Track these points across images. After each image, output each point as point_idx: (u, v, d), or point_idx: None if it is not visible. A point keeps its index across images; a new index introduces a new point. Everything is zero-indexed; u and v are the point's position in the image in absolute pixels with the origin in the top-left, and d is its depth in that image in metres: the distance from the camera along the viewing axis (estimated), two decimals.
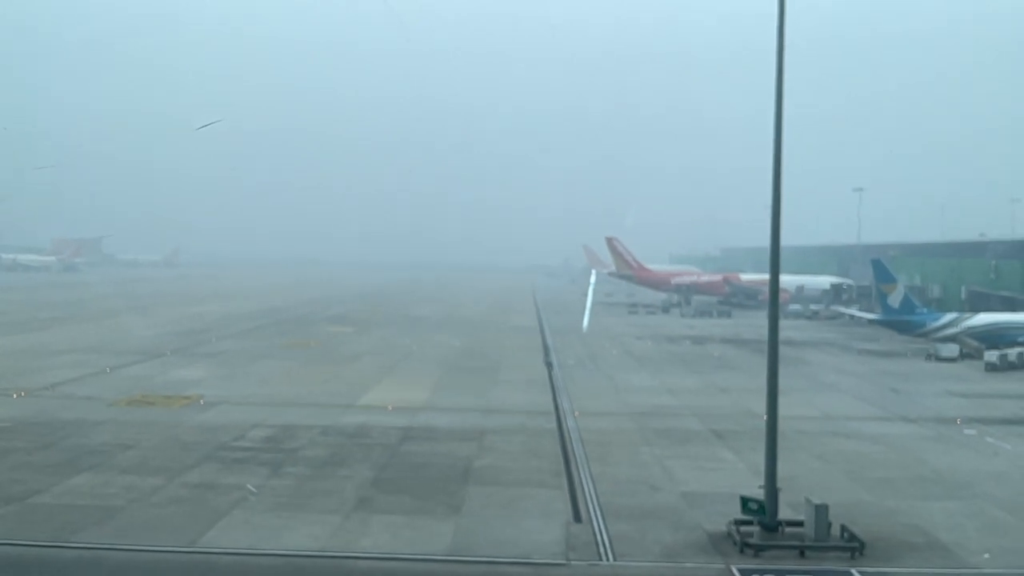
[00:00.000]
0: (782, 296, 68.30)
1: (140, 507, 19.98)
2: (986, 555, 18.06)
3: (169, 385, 36.68)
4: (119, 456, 24.55)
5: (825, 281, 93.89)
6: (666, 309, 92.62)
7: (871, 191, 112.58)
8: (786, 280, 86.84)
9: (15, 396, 33.13)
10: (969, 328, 54.95)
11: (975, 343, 52.76)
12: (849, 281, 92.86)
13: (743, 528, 18.70)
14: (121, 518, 19.15)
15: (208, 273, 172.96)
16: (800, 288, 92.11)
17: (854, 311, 76.56)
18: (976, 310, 60.12)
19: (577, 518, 19.97)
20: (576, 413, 32.31)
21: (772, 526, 18.61)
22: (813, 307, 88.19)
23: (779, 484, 19.04)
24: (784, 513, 19.07)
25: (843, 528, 18.61)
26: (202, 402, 32.98)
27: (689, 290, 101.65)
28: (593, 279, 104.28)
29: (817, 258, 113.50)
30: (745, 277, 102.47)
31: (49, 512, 19.39)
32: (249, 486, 21.69)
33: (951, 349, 52.18)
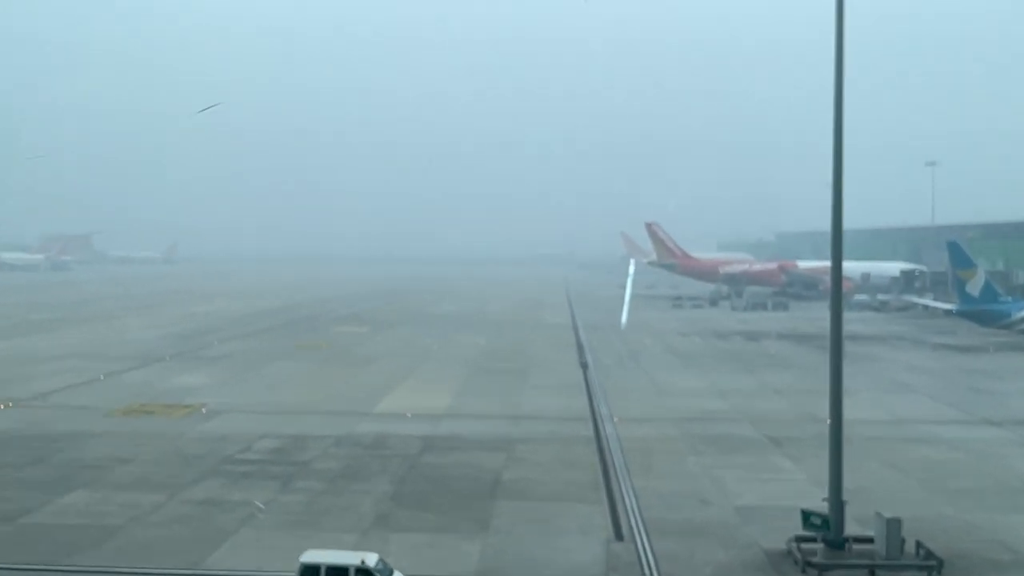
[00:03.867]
0: (846, 285, 67.73)
1: (139, 526, 20.28)
2: None
3: (169, 393, 37.19)
4: (116, 471, 24.95)
5: (894, 268, 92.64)
6: (714, 302, 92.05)
7: (946, 165, 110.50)
8: (850, 267, 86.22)
9: (3, 407, 33.79)
10: None
11: None
12: (922, 267, 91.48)
13: (805, 545, 18.52)
14: (119, 538, 19.44)
15: (209, 271, 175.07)
16: (866, 276, 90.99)
17: (928, 301, 75.44)
18: None
19: (618, 536, 19.92)
20: (615, 419, 32.22)
21: (838, 543, 18.41)
22: (881, 297, 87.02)
23: (845, 496, 18.82)
24: (851, 528, 18.85)
25: (918, 545, 18.35)
26: (205, 411, 33.39)
27: (740, 280, 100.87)
28: (632, 269, 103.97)
29: (885, 242, 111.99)
30: (803, 264, 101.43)
31: (42, 533, 19.75)
32: (257, 502, 21.92)
33: None
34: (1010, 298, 60.11)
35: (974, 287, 56.54)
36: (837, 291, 19.68)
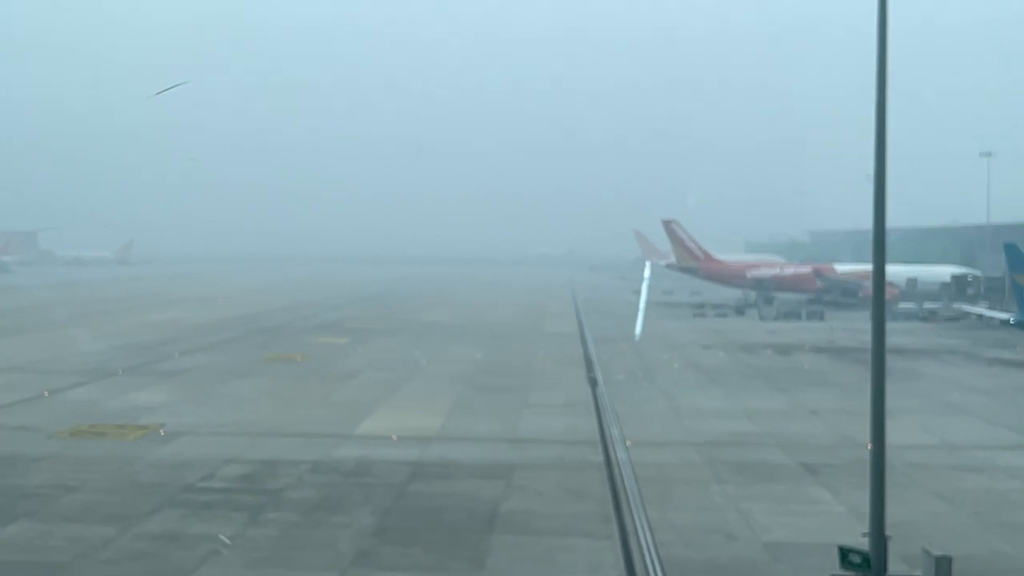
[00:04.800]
0: (889, 292, 67.48)
1: (88, 564, 20.23)
2: None
3: (122, 412, 37.14)
4: (61, 500, 24.90)
5: (944, 272, 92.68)
6: (741, 310, 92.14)
7: (1003, 157, 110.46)
8: (894, 272, 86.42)
9: None
10: None
11: None
12: (975, 272, 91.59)
13: None
14: None
15: (171, 272, 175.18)
16: (912, 281, 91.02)
17: (982, 310, 75.47)
18: None
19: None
20: (628, 443, 32.20)
21: None
22: (929, 305, 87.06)
23: (888, 531, 18.77)
24: (895, 568, 18.81)
25: None
26: (163, 432, 33.36)
27: (770, 286, 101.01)
28: (647, 272, 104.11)
29: (934, 243, 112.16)
30: (841, 268, 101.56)
31: None
32: (222, 537, 21.89)
33: None
34: None
35: None
36: (879, 299, 19.65)
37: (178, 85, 48.74)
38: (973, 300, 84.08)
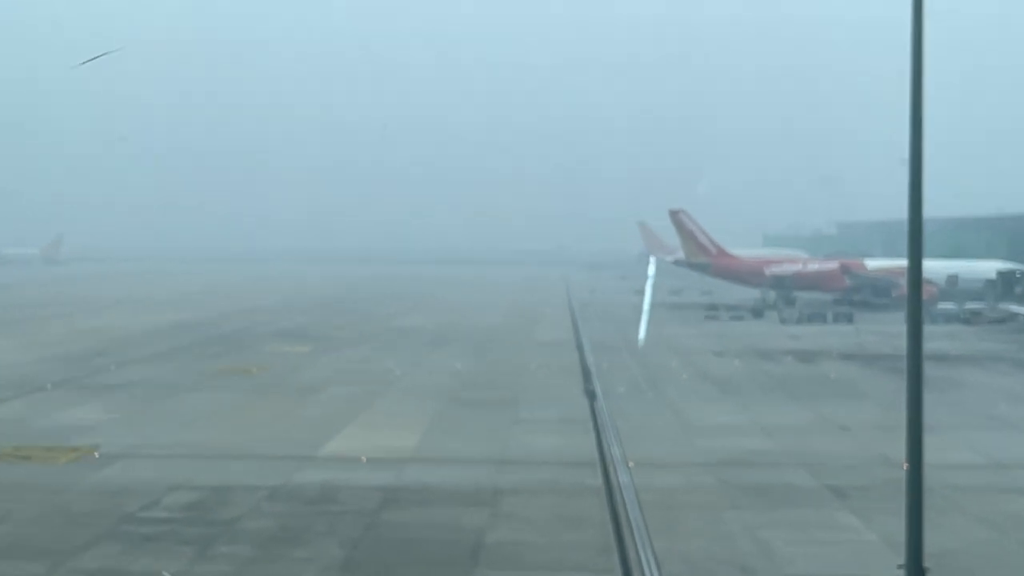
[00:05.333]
0: (927, 291, 67.98)
1: None
2: None
3: (52, 432, 36.92)
4: None
5: (989, 268, 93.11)
6: (759, 312, 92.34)
7: None
8: (933, 267, 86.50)
9: None
10: None
11: None
12: None
13: None
14: None
15: (108, 272, 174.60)
16: (953, 279, 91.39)
17: None
18: None
19: None
20: (631, 463, 32.20)
21: None
22: (972, 306, 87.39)
23: (927, 562, 18.79)
24: None
25: None
26: (98, 455, 33.18)
27: (791, 284, 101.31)
28: (652, 270, 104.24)
29: (978, 235, 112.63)
30: (872, 264, 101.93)
31: None
32: (166, 574, 21.78)
33: None
34: None
35: None
36: (916, 298, 19.67)
37: (107, 54, 48.36)
38: (1022, 299, 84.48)
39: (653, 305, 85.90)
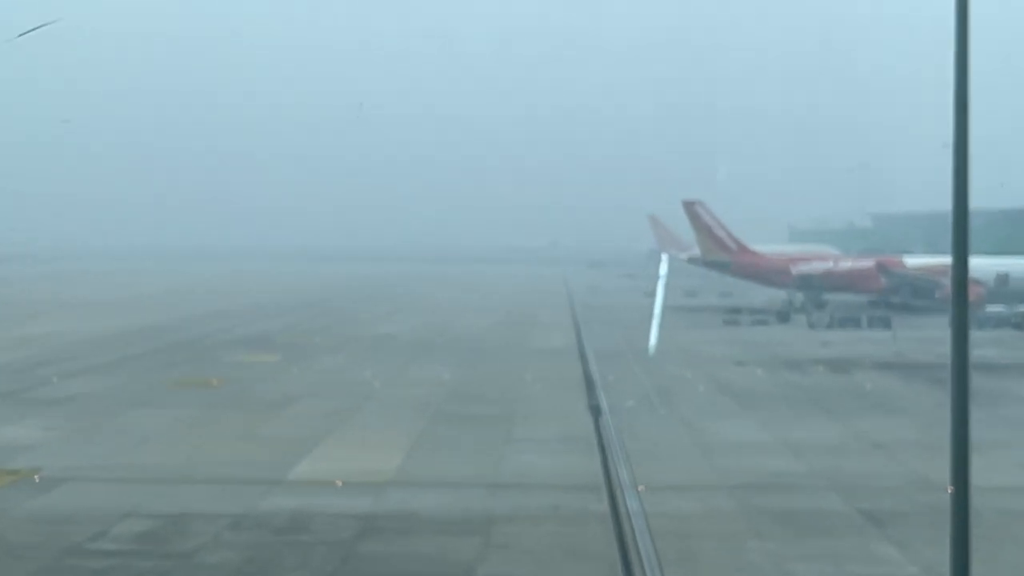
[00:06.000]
0: (974, 291, 67.83)
1: None
2: None
3: None
4: None
5: None
6: (785, 316, 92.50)
7: None
8: (980, 265, 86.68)
9: None
10: None
11: None
12: None
13: None
14: None
15: (55, 272, 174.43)
16: (1002, 278, 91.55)
17: None
18: None
19: None
20: (640, 487, 32.22)
21: None
22: None
23: None
24: None
25: None
26: (39, 478, 33.11)
27: (821, 284, 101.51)
28: (664, 268, 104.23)
29: None
30: (912, 262, 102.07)
31: None
32: None
33: None
34: None
35: None
36: (961, 300, 19.71)
37: (46, 25, 48.31)
38: None
39: (665, 308, 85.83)
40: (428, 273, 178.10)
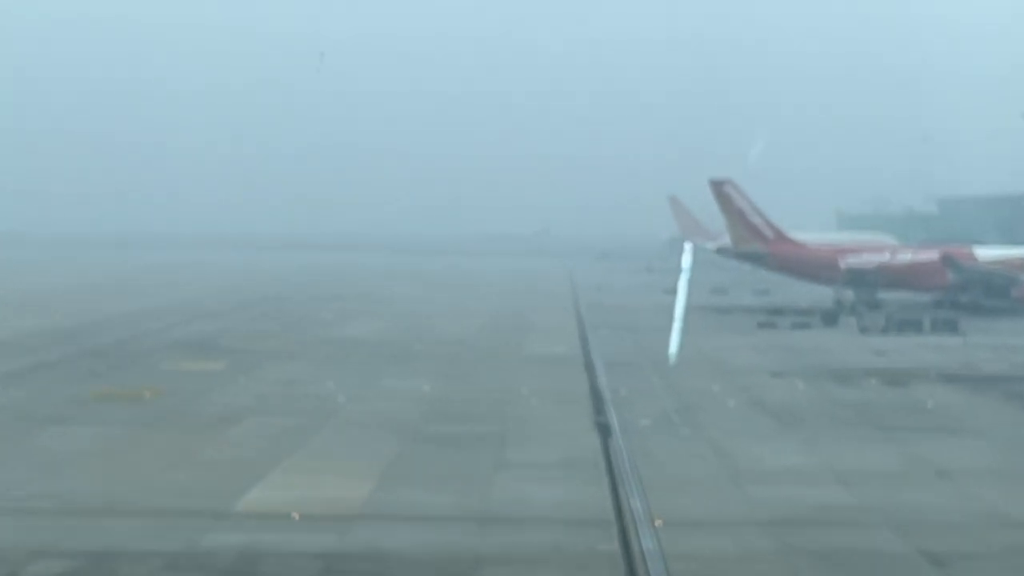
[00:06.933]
0: None
1: None
2: None
3: None
4: None
5: None
6: (831, 319, 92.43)
7: None
8: None
9: None
10: None
11: None
12: None
13: None
14: None
15: None
16: None
17: None
18: None
19: None
20: (658, 522, 32.09)
21: None
22: None
23: None
24: None
25: None
26: None
27: (876, 280, 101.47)
28: (687, 261, 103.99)
29: None
30: (984, 253, 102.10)
31: None
32: None
33: None
34: None
35: None
36: None
37: None
38: None
39: (689, 308, 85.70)
40: (406, 266, 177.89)
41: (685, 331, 76.41)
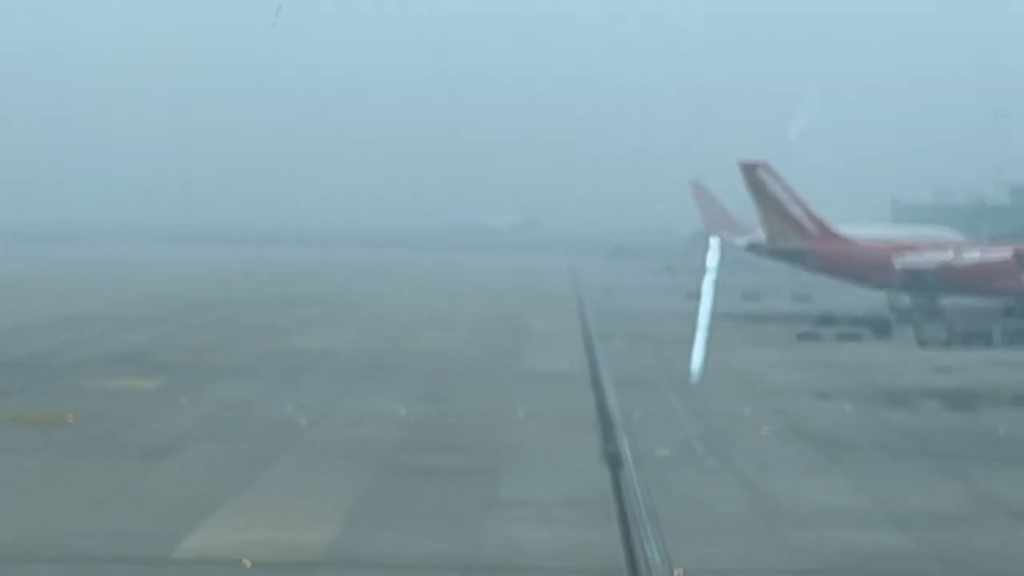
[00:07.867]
0: None
1: None
2: None
3: None
4: None
5: None
6: (884, 328, 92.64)
7: None
8: None
9: None
10: None
11: None
12: None
13: None
14: None
15: None
16: None
17: None
18: None
19: None
20: (677, 572, 32.15)
21: None
22: None
23: None
24: None
25: None
26: None
27: (936, 283, 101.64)
28: (713, 259, 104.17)
29: None
30: None
31: None
32: None
33: None
34: None
35: None
36: None
37: None
38: None
39: (716, 316, 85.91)
40: (380, 262, 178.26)
41: (710, 343, 76.63)
